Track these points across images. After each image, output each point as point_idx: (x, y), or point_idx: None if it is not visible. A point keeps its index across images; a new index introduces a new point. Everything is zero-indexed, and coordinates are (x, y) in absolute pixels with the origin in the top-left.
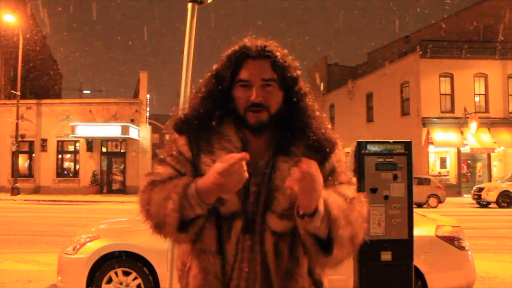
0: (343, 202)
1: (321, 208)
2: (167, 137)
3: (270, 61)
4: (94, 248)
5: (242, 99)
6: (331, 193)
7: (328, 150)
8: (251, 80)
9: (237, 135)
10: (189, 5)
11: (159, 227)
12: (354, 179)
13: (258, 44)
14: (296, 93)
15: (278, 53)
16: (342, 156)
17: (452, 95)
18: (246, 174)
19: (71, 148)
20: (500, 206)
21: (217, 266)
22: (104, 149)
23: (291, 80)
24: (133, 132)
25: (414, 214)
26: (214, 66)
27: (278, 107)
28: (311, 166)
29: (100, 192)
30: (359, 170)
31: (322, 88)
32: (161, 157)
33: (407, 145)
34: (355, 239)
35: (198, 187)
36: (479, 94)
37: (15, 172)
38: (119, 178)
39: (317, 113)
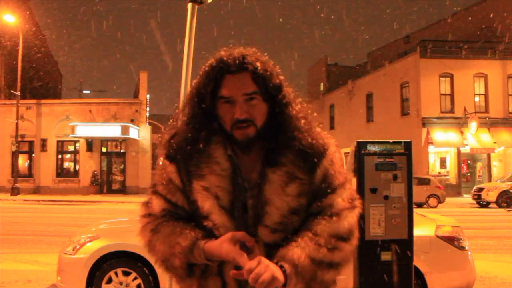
0: (319, 247)
1: (291, 274)
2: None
3: (251, 73)
4: (94, 248)
5: (227, 117)
6: (302, 251)
7: (315, 159)
8: (233, 96)
9: (225, 155)
10: (189, 5)
11: (166, 270)
12: (350, 176)
13: (236, 55)
14: (279, 102)
15: (258, 63)
16: (336, 157)
17: (452, 95)
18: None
19: (71, 148)
20: (500, 206)
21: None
22: (104, 149)
23: (273, 90)
24: (133, 132)
25: (414, 214)
26: (194, 82)
27: (265, 119)
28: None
29: (100, 192)
30: (359, 170)
31: (322, 88)
32: (154, 183)
33: (407, 145)
34: (343, 264)
35: (206, 251)
36: (479, 94)
37: (15, 172)
38: (119, 178)
39: (303, 121)
